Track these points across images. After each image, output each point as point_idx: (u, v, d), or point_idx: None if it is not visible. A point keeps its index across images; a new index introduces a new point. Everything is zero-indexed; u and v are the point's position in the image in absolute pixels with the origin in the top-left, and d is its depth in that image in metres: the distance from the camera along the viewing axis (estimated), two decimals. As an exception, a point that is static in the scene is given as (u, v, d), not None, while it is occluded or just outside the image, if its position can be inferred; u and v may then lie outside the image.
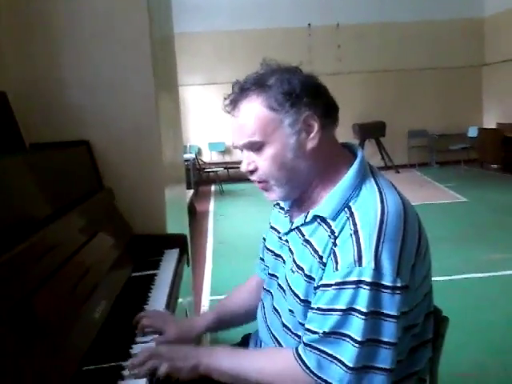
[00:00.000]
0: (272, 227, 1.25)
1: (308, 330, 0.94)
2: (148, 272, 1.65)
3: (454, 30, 9.55)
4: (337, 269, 0.91)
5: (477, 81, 9.92)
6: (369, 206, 0.95)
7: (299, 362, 0.93)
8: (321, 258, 0.96)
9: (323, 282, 0.94)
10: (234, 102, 1.04)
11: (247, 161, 1.06)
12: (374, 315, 0.88)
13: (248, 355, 1.06)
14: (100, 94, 1.89)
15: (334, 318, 0.89)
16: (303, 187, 1.06)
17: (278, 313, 1.12)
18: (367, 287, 0.87)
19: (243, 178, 1.10)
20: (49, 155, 1.58)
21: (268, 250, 1.25)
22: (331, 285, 0.91)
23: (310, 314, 0.95)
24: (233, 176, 8.87)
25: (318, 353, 0.91)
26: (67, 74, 1.87)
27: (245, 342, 1.32)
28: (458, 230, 5.03)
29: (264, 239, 1.30)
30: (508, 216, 5.50)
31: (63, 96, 1.88)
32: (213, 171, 8.72)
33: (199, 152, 9.32)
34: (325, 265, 0.95)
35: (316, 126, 1.00)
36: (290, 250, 1.09)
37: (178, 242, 1.94)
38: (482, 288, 3.45)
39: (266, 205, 1.29)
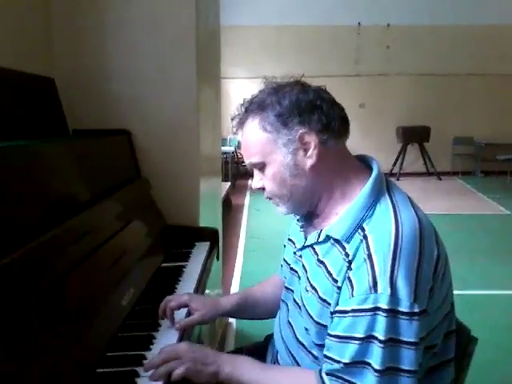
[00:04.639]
0: (289, 239, 1.24)
1: (328, 357, 0.92)
2: (177, 263, 1.67)
3: (508, 36, 9.20)
4: (352, 295, 0.89)
5: (530, 90, 9.52)
6: (383, 228, 0.92)
7: None
8: (335, 281, 0.94)
9: (339, 308, 0.92)
10: (239, 123, 1.07)
11: (257, 178, 1.08)
12: (393, 343, 0.85)
13: (272, 373, 1.03)
14: (144, 85, 1.92)
15: (353, 346, 0.87)
16: (310, 203, 1.05)
17: (292, 327, 1.11)
18: (384, 314, 0.85)
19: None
20: (91, 142, 1.63)
21: (285, 261, 1.24)
22: (347, 311, 0.89)
23: (328, 340, 0.93)
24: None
25: (341, 381, 0.89)
26: (113, 63, 1.91)
27: (267, 343, 1.32)
28: (498, 244, 4.87)
29: (285, 246, 1.29)
30: (552, 233, 5.28)
31: (108, 85, 1.92)
32: (251, 165, 8.72)
33: (239, 146, 9.34)
34: (340, 289, 0.93)
35: (313, 143, 0.98)
36: (303, 267, 1.08)
37: (210, 235, 1.95)
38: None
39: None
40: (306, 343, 1.05)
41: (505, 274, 3.92)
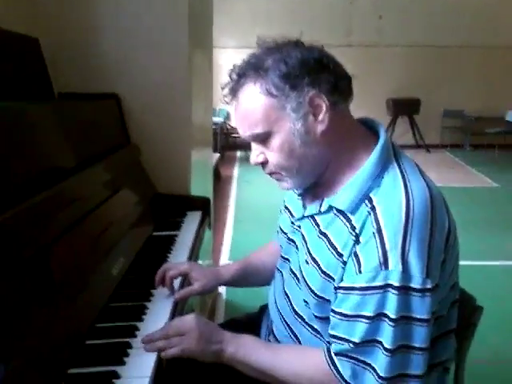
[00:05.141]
0: (286, 207, 1.18)
1: (335, 337, 0.88)
2: (169, 232, 1.63)
3: (504, 7, 9.07)
4: (360, 271, 0.84)
5: (521, 63, 9.46)
6: (392, 199, 0.86)
7: (333, 369, 0.87)
8: (340, 255, 0.89)
9: (345, 284, 0.87)
10: (232, 91, 0.95)
11: (256, 152, 0.98)
12: (404, 320, 0.81)
13: (278, 353, 0.98)
14: (133, 48, 1.84)
15: (363, 325, 0.83)
16: (317, 174, 0.97)
17: (289, 298, 1.06)
18: (395, 291, 0.80)
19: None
20: (77, 105, 1.55)
21: (281, 230, 1.19)
22: (355, 288, 0.84)
23: (333, 318, 0.89)
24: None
25: (352, 361, 0.86)
26: (101, 24, 1.82)
27: (262, 313, 1.29)
28: (487, 216, 4.89)
29: (280, 212, 1.23)
30: (540, 205, 5.32)
31: (96, 47, 1.83)
32: (240, 137, 8.62)
33: (228, 116, 9.22)
34: (345, 264, 0.88)
35: (324, 106, 0.90)
36: (303, 237, 1.02)
37: (201, 204, 1.91)
38: (507, 276, 3.36)
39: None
40: (304, 316, 1.01)
41: (491, 246, 3.94)
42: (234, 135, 8.86)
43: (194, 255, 1.48)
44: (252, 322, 1.28)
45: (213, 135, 3.26)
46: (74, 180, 1.18)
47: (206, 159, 2.60)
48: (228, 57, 8.74)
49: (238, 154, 8.78)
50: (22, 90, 1.47)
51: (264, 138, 0.94)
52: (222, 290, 2.95)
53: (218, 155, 6.29)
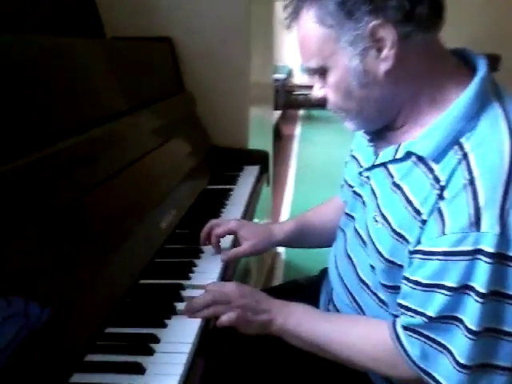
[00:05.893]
0: (353, 156, 1.01)
1: (406, 308, 0.74)
2: (224, 186, 1.52)
3: None
4: (444, 232, 0.67)
5: None
6: (491, 144, 0.69)
7: (398, 346, 0.75)
8: (418, 212, 0.73)
9: (424, 247, 0.71)
10: (291, 15, 0.80)
11: (317, 86, 0.84)
12: (496, 297, 0.65)
13: (333, 323, 0.87)
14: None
15: (442, 297, 0.68)
16: (386, 117, 0.81)
17: (352, 262, 0.92)
18: (488, 260, 0.64)
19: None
20: (129, 45, 1.43)
21: (347, 183, 1.03)
22: (436, 253, 0.68)
23: (405, 286, 0.74)
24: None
25: (423, 339, 0.72)
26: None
27: (322, 277, 1.16)
28: None
29: (346, 163, 1.07)
30: None
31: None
32: (302, 94, 8.37)
33: (290, 73, 8.95)
34: (425, 223, 0.71)
35: (389, 40, 0.71)
36: (372, 191, 0.86)
37: (260, 158, 1.79)
38: None
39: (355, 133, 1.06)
40: (370, 283, 0.86)
41: None
42: (296, 93, 8.63)
43: (249, 211, 1.37)
44: (313, 287, 1.15)
45: (274, 92, 3.09)
46: (121, 122, 1.08)
47: (265, 115, 2.46)
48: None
49: (301, 112, 8.56)
50: (71, 34, 1.38)
51: (321, 73, 0.80)
52: (282, 249, 2.85)
53: (279, 113, 6.12)
